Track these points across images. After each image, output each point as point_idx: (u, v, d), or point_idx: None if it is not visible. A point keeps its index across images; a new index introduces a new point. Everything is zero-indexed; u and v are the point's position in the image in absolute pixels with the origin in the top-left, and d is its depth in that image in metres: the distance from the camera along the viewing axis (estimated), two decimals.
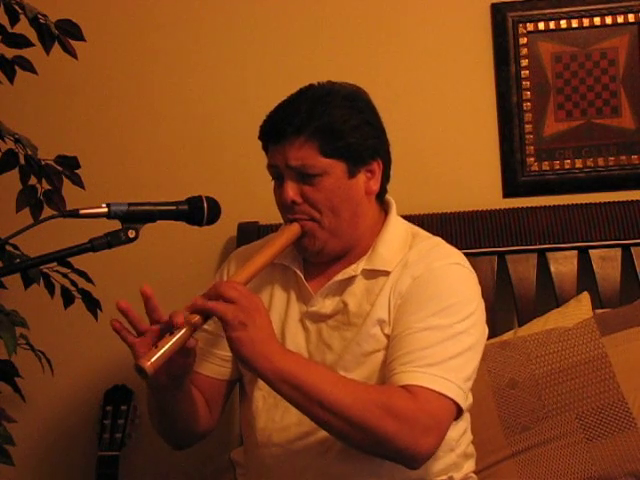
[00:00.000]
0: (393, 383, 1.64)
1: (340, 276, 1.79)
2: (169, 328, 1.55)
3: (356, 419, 1.56)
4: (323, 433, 1.67)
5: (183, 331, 1.54)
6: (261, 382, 1.65)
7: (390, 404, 1.58)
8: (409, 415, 1.58)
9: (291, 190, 1.74)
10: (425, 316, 1.68)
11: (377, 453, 1.64)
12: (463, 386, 1.66)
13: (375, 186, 1.80)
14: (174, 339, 1.53)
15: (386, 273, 1.76)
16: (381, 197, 1.85)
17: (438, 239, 1.84)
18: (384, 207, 1.86)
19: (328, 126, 1.72)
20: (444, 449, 1.75)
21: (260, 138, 1.80)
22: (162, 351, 1.51)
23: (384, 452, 1.62)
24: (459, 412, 1.68)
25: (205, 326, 1.65)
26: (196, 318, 1.55)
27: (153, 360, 1.49)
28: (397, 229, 1.83)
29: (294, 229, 1.76)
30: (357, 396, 1.58)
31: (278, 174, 1.77)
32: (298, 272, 1.82)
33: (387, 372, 1.68)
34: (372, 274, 1.78)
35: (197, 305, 1.55)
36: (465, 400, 1.69)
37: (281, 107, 1.79)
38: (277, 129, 1.75)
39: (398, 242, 1.80)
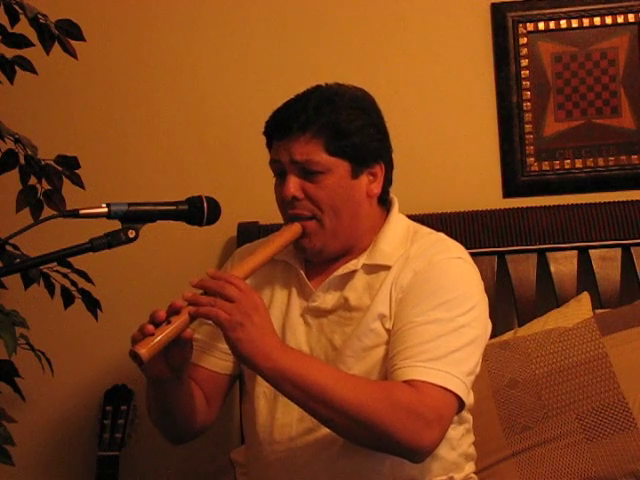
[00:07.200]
0: (395, 378, 1.63)
1: (341, 271, 1.79)
2: (167, 319, 1.57)
3: (360, 415, 1.56)
4: (324, 430, 1.67)
5: (180, 320, 1.55)
6: (261, 378, 1.66)
7: (393, 399, 1.58)
8: (412, 409, 1.58)
9: (293, 185, 1.75)
10: (426, 310, 1.68)
11: (381, 448, 1.64)
12: (465, 380, 1.66)
13: (377, 189, 1.80)
14: (171, 327, 1.55)
15: (387, 268, 1.76)
16: (383, 200, 1.85)
17: (440, 234, 1.85)
18: (386, 207, 1.87)
19: (334, 125, 1.73)
20: (445, 447, 1.75)
21: (265, 133, 1.81)
22: (158, 339, 1.53)
23: (388, 447, 1.62)
24: (461, 406, 1.68)
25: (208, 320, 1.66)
26: (193, 309, 1.57)
27: (149, 347, 1.51)
28: (398, 225, 1.83)
29: (295, 228, 1.76)
30: (360, 392, 1.58)
31: (281, 170, 1.78)
32: (299, 269, 1.83)
33: (389, 367, 1.67)
34: (373, 269, 1.78)
35: (191, 311, 1.56)
36: (468, 393, 1.69)
37: (288, 104, 1.80)
38: (283, 125, 1.75)
39: (399, 237, 1.81)
